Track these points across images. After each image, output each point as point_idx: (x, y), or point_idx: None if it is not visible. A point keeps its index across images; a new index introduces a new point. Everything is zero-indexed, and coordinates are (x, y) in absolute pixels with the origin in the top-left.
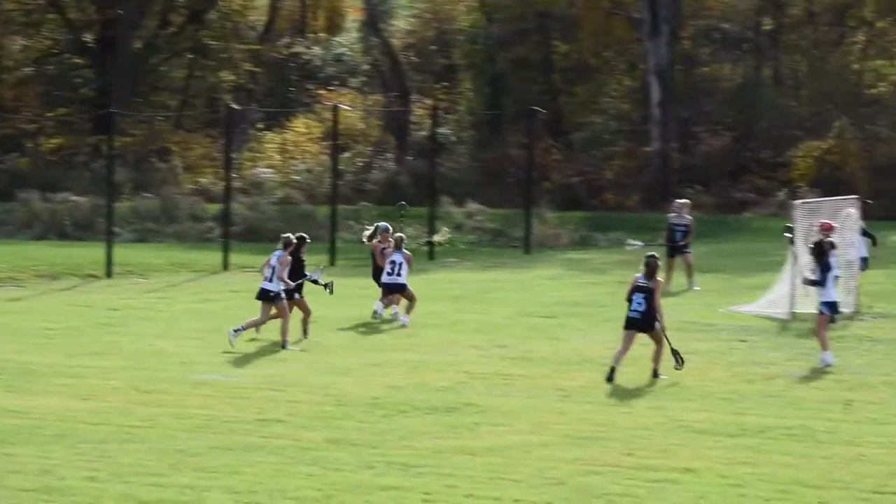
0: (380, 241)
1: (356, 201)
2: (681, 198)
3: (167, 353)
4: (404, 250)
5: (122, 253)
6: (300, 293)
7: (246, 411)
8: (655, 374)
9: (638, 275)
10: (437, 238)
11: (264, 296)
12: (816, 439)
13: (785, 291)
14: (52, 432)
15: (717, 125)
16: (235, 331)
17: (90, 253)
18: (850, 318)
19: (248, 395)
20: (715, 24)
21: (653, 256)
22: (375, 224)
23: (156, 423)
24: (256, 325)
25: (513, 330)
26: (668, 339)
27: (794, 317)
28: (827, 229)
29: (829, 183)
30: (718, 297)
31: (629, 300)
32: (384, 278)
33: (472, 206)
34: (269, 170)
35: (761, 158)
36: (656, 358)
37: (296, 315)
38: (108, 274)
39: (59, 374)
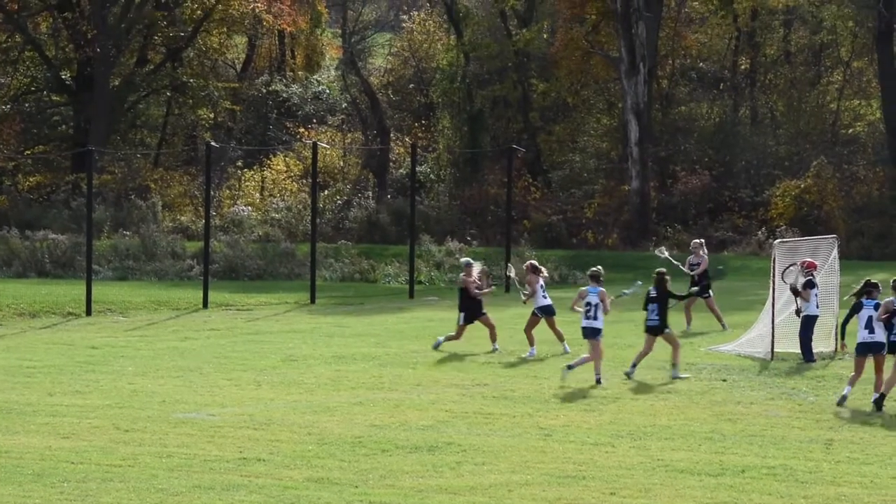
0: (467, 276)
1: (336, 239)
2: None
3: (148, 392)
4: (601, 288)
5: (102, 291)
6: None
7: (227, 450)
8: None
9: (650, 288)
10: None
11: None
12: (798, 479)
13: (765, 331)
14: (32, 471)
15: (695, 164)
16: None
17: (70, 291)
18: (831, 357)
19: (229, 433)
20: (692, 64)
21: (662, 272)
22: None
23: (137, 462)
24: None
25: (493, 368)
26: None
27: (775, 356)
28: (809, 268)
29: (807, 222)
30: (699, 336)
31: (645, 309)
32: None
33: (452, 244)
34: (249, 208)
35: (740, 197)
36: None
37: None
38: (88, 312)
39: (39, 413)
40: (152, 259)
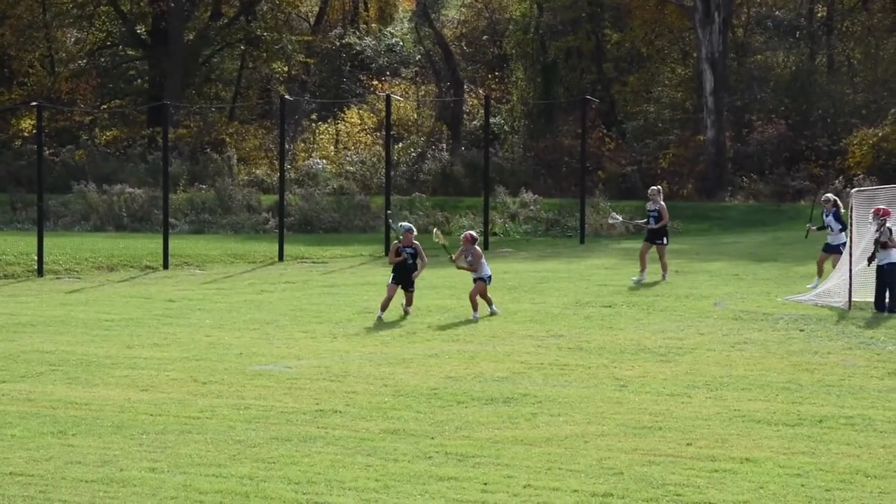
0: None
1: (410, 191)
2: (655, 185)
3: (224, 344)
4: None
5: (178, 244)
6: None
7: (303, 402)
8: None
9: None
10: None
11: None
12: (876, 429)
13: (843, 280)
14: (111, 423)
15: (771, 113)
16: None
17: (147, 244)
18: None
19: (306, 385)
20: (768, 12)
21: None
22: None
23: (214, 414)
24: None
25: (569, 320)
26: None
27: (853, 305)
28: (885, 215)
29: (885, 171)
30: (775, 286)
31: None
32: None
33: (527, 195)
34: (323, 161)
35: (816, 146)
36: None
37: None
38: (165, 265)
39: (118, 366)
40: (228, 212)
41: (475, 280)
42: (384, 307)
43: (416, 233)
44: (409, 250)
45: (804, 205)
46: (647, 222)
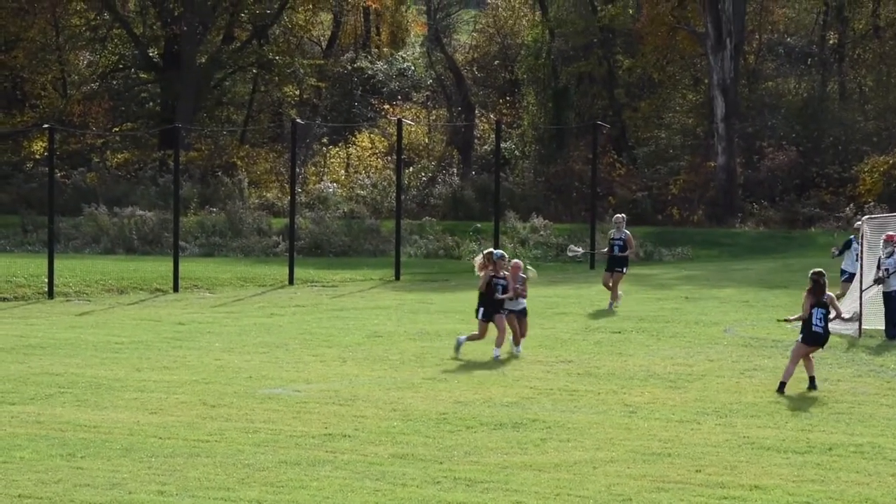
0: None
1: (421, 216)
2: (617, 216)
3: (234, 368)
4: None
5: (188, 267)
6: None
7: (312, 426)
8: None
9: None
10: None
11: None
12: (886, 457)
13: (853, 308)
14: (120, 446)
15: (782, 140)
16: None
17: (157, 267)
18: None
19: (315, 409)
20: (779, 39)
21: (821, 273)
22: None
23: (223, 438)
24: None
25: (578, 345)
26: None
27: (863, 333)
28: (889, 240)
29: None
30: (786, 312)
31: (809, 315)
32: None
33: (537, 221)
34: (334, 184)
35: (827, 173)
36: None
37: None
38: (176, 288)
39: (127, 388)
40: (238, 236)
41: (514, 312)
42: (471, 339)
43: (507, 260)
44: (501, 281)
45: (814, 231)
46: (612, 250)
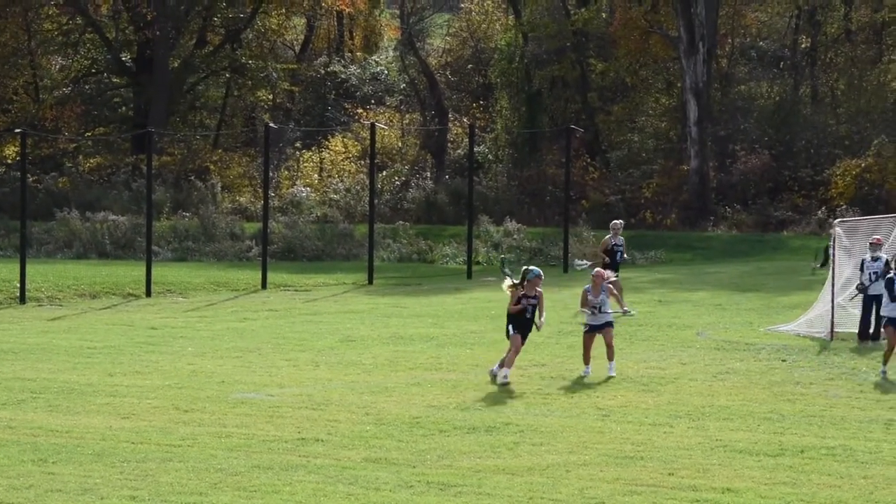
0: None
1: (394, 220)
2: (619, 219)
3: (207, 372)
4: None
5: (161, 272)
6: None
7: (285, 430)
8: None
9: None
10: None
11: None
12: (857, 459)
13: (825, 310)
14: (92, 451)
15: (754, 144)
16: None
17: (130, 272)
18: None
19: (288, 413)
20: (752, 43)
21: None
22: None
23: (196, 442)
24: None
25: (551, 349)
26: None
27: (835, 336)
28: (877, 244)
29: (868, 201)
30: (758, 316)
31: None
32: None
33: (510, 224)
34: (307, 189)
35: (800, 177)
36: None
37: None
38: (148, 293)
39: (99, 393)
40: (211, 240)
41: (598, 327)
42: (510, 363)
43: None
44: (532, 301)
45: (787, 235)
46: (615, 256)
